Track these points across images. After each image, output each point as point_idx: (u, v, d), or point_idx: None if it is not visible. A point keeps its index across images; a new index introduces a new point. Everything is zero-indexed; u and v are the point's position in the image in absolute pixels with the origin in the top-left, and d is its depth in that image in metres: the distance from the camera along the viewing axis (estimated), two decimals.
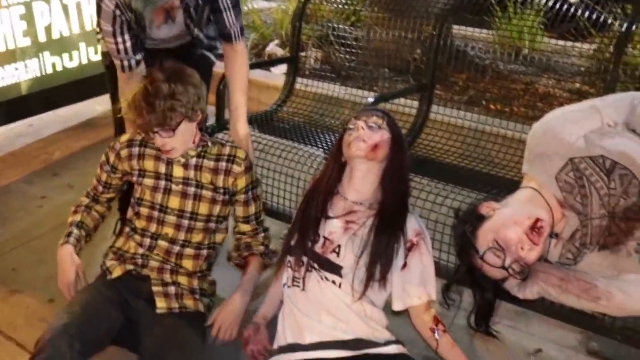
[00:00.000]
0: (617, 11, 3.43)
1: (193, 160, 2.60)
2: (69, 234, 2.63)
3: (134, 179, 2.65)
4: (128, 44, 2.83)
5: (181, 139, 2.50)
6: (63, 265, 2.56)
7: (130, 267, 2.55)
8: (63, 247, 2.58)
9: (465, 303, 2.21)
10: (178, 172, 2.60)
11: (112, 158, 2.67)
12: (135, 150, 2.64)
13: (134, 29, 2.82)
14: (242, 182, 2.61)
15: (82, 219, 2.68)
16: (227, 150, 2.62)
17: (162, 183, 2.60)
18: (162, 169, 2.61)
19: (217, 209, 2.61)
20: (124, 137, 2.68)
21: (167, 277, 2.55)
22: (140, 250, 2.58)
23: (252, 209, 2.67)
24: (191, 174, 2.60)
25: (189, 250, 2.59)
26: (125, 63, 2.87)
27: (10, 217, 3.71)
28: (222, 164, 2.59)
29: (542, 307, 2.41)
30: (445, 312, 2.28)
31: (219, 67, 3.19)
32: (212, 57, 3.24)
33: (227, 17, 2.90)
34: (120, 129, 3.06)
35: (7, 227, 3.61)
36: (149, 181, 2.61)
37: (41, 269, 3.22)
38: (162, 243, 2.57)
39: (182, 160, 2.59)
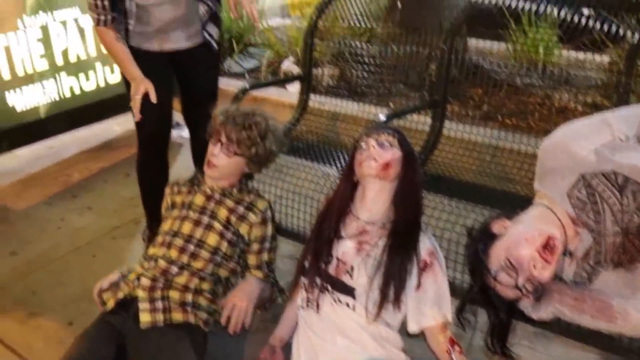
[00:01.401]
0: (632, 22, 3.40)
1: (217, 195, 2.68)
2: None
3: (166, 214, 2.77)
4: (106, 1, 2.92)
5: (227, 166, 2.63)
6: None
7: (121, 294, 2.53)
8: None
9: (481, 323, 2.18)
10: (199, 200, 2.68)
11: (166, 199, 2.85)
12: (175, 188, 2.81)
13: None
14: (257, 232, 2.65)
15: None
16: (249, 197, 2.69)
17: (183, 212, 2.68)
18: (187, 199, 2.70)
19: (224, 245, 2.62)
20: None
21: (157, 293, 2.49)
22: (140, 270, 2.59)
23: (264, 257, 2.71)
24: (210, 205, 2.66)
25: (186, 273, 2.57)
26: (102, 17, 2.95)
27: (29, 239, 3.74)
28: (241, 209, 2.66)
29: (559, 327, 2.38)
30: (462, 333, 2.26)
31: None
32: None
33: None
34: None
35: (27, 250, 3.63)
36: (175, 212, 2.71)
37: (60, 292, 3.24)
38: (162, 263, 2.58)
39: (208, 191, 2.68)
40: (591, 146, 2.09)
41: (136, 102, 2.94)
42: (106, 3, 2.90)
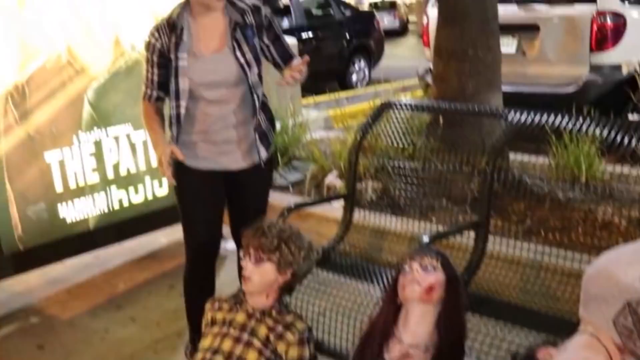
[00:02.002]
0: None
1: (257, 314, 2.70)
2: None
3: (206, 330, 2.79)
4: (155, 76, 3.08)
5: (259, 275, 2.66)
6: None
7: None
8: None
9: None
10: (241, 318, 2.70)
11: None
12: (216, 305, 2.82)
13: (166, 57, 3.03)
14: (294, 353, 2.64)
15: None
16: (289, 318, 2.71)
17: (224, 329, 2.70)
18: (228, 316, 2.73)
19: None
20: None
21: None
22: None
23: None
24: (252, 323, 2.68)
25: None
26: (148, 92, 3.11)
27: (73, 350, 3.78)
28: (280, 328, 2.67)
29: None
30: None
31: None
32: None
33: (284, 41, 3.17)
34: None
35: None
36: (216, 329, 2.73)
37: None
38: None
39: (250, 310, 2.70)
40: (637, 273, 2.09)
41: (164, 164, 2.96)
42: (155, 78, 3.08)
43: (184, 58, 3.01)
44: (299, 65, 3.01)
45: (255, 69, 3.08)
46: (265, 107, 3.23)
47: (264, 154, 3.22)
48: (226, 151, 3.16)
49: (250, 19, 3.05)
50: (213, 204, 3.24)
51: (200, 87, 3.04)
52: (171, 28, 3.01)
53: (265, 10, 3.11)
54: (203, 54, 3.05)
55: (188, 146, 3.13)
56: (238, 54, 3.03)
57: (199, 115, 3.10)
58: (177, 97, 3.06)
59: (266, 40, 3.11)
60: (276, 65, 3.21)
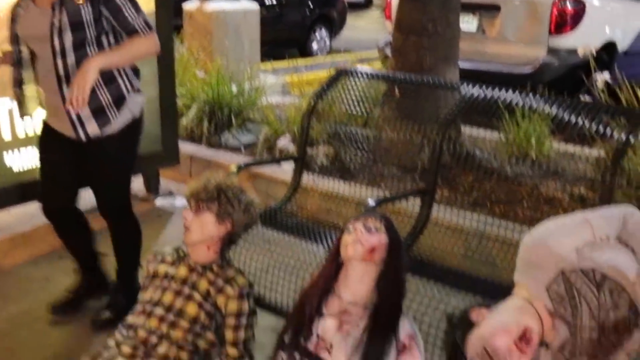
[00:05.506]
0: (619, 121, 3.50)
1: (199, 268, 2.72)
2: None
3: (147, 282, 2.79)
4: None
5: (199, 225, 2.67)
6: None
7: None
8: None
9: None
10: (182, 272, 2.72)
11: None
12: (159, 257, 2.84)
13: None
14: (233, 306, 2.66)
15: None
16: (229, 272, 2.73)
17: (165, 282, 2.71)
18: (170, 270, 2.74)
19: (202, 316, 2.63)
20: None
21: None
22: (120, 339, 2.61)
23: (241, 334, 2.69)
24: (193, 277, 2.70)
25: (165, 342, 2.58)
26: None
27: (13, 297, 3.74)
28: (220, 282, 2.69)
29: None
30: None
31: None
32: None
33: (128, 12, 3.05)
34: None
35: (9, 308, 3.63)
36: (156, 282, 2.74)
37: (40, 352, 3.23)
38: (141, 333, 2.59)
39: (192, 264, 2.72)
40: (572, 244, 2.15)
41: None
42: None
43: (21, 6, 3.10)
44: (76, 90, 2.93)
45: (69, 36, 2.99)
46: (111, 81, 3.13)
47: (93, 130, 3.14)
48: (60, 117, 3.13)
49: None
50: (54, 162, 3.26)
51: (26, 38, 3.13)
52: None
53: None
54: (33, 7, 3.07)
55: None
56: (56, 14, 2.99)
57: (37, 69, 3.15)
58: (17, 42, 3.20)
59: (105, 12, 3.04)
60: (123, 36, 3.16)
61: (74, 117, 3.07)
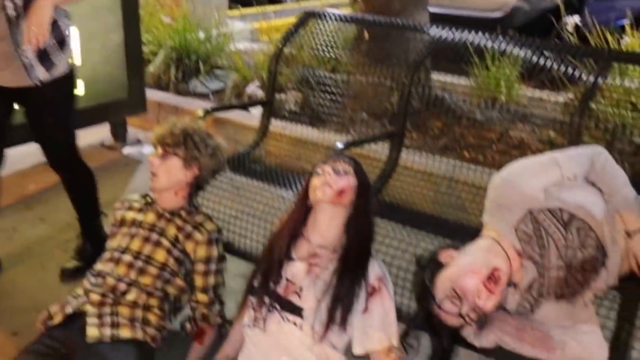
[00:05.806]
0: (588, 64, 3.49)
1: (167, 214, 2.70)
2: None
3: (114, 229, 2.76)
4: None
5: (166, 170, 2.65)
6: None
7: (70, 310, 2.50)
8: None
9: (425, 348, 2.22)
10: (150, 218, 2.70)
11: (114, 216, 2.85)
12: (126, 204, 2.82)
13: None
14: (202, 252, 2.66)
15: None
16: (198, 218, 2.72)
17: (133, 229, 2.69)
18: (138, 217, 2.72)
19: (171, 262, 2.62)
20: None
21: (106, 309, 2.49)
22: (88, 287, 2.58)
23: (211, 280, 2.69)
24: (161, 223, 2.68)
25: (134, 289, 2.56)
26: None
27: None
28: (188, 227, 2.68)
29: (501, 355, 2.40)
30: (406, 357, 2.29)
31: None
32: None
33: None
34: None
35: None
36: (124, 229, 2.72)
37: (7, 302, 3.20)
38: (110, 280, 2.56)
39: (160, 210, 2.71)
40: (540, 185, 2.16)
41: None
42: None
43: None
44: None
45: None
46: (54, 22, 2.98)
47: (43, 74, 3.03)
48: (6, 65, 2.97)
49: None
50: None
51: None
52: None
53: None
54: None
55: None
56: None
57: None
58: None
59: None
60: None
61: (28, 60, 2.95)
